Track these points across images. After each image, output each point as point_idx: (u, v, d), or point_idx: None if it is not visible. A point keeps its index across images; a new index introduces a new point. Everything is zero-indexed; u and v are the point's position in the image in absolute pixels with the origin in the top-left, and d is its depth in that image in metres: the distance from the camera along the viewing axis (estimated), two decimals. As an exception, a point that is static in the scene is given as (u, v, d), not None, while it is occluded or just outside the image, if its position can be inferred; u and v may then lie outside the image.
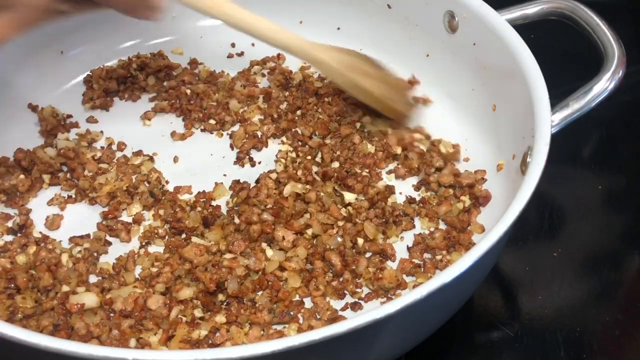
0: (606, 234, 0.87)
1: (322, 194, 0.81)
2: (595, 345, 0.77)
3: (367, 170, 0.84)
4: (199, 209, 0.81)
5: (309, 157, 0.86)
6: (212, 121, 0.91)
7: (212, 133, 0.90)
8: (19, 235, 0.79)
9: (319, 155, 0.86)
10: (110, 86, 0.94)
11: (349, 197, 0.80)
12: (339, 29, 1.00)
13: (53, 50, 0.94)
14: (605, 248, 0.86)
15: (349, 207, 0.80)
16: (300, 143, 0.88)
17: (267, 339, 0.69)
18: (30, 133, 0.89)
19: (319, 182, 0.82)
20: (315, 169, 0.84)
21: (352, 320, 0.56)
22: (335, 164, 0.85)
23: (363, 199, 0.81)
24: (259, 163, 0.87)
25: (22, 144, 0.87)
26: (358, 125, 0.90)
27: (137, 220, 0.81)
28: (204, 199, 0.82)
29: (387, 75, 0.89)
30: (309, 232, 0.78)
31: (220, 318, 0.71)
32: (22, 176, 0.83)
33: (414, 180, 0.85)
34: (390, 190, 0.83)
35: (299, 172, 0.83)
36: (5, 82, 0.90)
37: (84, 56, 0.96)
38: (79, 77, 0.96)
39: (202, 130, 0.91)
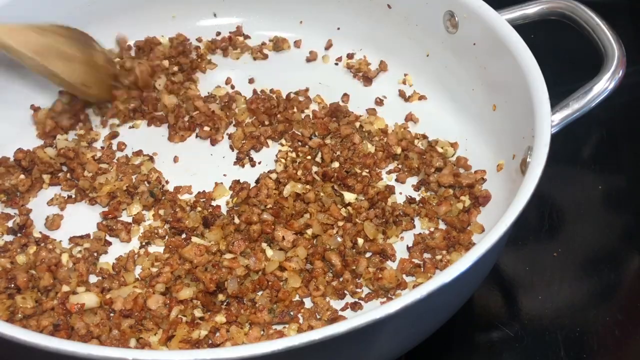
0: (606, 234, 0.87)
1: (322, 194, 0.81)
2: (595, 345, 0.77)
3: (367, 170, 0.84)
4: (199, 209, 0.81)
5: (308, 157, 0.86)
6: (206, 128, 0.90)
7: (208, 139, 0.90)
8: (19, 235, 0.79)
9: (319, 155, 0.86)
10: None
11: (349, 197, 0.80)
12: (339, 29, 1.00)
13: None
14: (605, 248, 0.86)
15: (349, 207, 0.80)
16: (300, 143, 0.88)
17: (267, 339, 0.69)
18: (30, 133, 0.89)
19: (319, 182, 0.82)
20: (315, 169, 0.84)
21: (352, 320, 0.56)
22: (335, 164, 0.84)
23: (363, 199, 0.81)
24: (259, 163, 0.87)
25: (22, 144, 0.87)
26: (358, 125, 0.90)
27: (137, 220, 0.81)
28: (204, 199, 0.82)
29: (90, 55, 0.90)
30: (309, 232, 0.78)
31: (220, 318, 0.71)
32: (22, 176, 0.83)
33: (413, 180, 0.85)
34: (390, 190, 0.83)
35: (299, 172, 0.83)
36: (5, 82, 0.90)
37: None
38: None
39: (196, 137, 0.90)
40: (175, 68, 0.96)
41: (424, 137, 0.89)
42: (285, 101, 0.93)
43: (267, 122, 0.90)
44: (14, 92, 0.90)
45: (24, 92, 0.91)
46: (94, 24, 0.95)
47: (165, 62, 0.96)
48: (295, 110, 0.92)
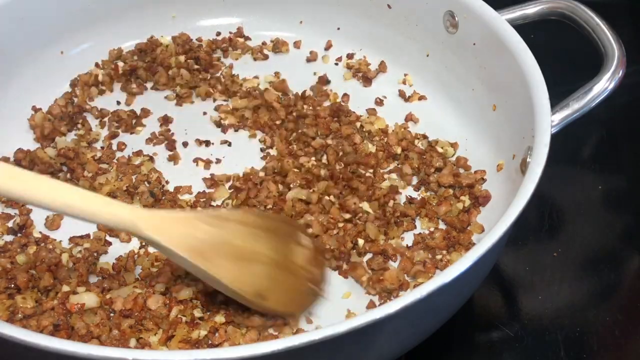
0: (606, 234, 0.87)
1: (325, 197, 0.81)
2: (595, 345, 0.77)
3: (370, 171, 0.84)
4: (199, 209, 0.81)
5: (313, 159, 0.85)
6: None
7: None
8: (19, 235, 0.79)
9: (324, 157, 0.86)
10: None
11: (366, 207, 0.80)
12: (339, 29, 1.00)
13: (53, 50, 0.94)
14: (605, 248, 0.86)
15: (351, 212, 0.80)
16: (303, 144, 0.88)
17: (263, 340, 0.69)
18: (30, 133, 0.89)
19: (322, 184, 0.82)
20: (323, 172, 0.83)
21: (352, 320, 0.56)
22: (340, 165, 0.84)
23: (377, 208, 0.80)
24: (263, 158, 0.87)
25: (22, 144, 0.87)
26: (358, 125, 0.90)
27: (137, 221, 0.81)
28: (204, 199, 0.82)
29: (286, 255, 0.69)
30: (309, 231, 0.78)
31: (220, 318, 0.71)
32: None
33: (413, 180, 0.85)
34: (394, 190, 0.83)
35: (301, 173, 0.83)
36: (5, 82, 0.90)
37: (84, 56, 0.96)
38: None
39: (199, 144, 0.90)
40: (195, 65, 0.96)
41: (424, 137, 0.89)
42: (300, 99, 0.93)
43: (282, 118, 0.90)
44: (14, 91, 0.90)
45: (24, 91, 0.91)
46: (94, 24, 0.95)
47: (181, 57, 0.96)
48: (309, 106, 0.92)
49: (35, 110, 0.91)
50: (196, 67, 0.96)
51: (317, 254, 0.72)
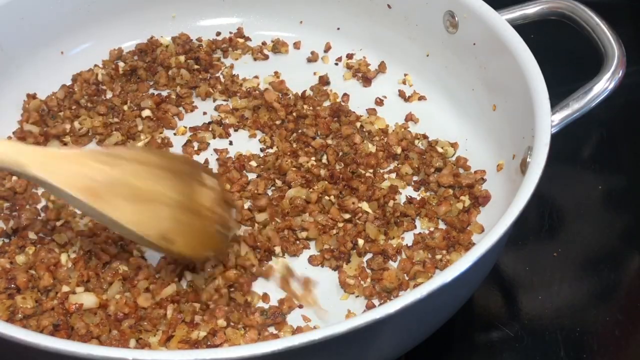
0: (606, 234, 0.87)
1: (325, 197, 0.81)
2: (595, 345, 0.77)
3: (370, 171, 0.84)
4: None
5: (313, 159, 0.85)
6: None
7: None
8: (13, 238, 0.78)
9: (324, 157, 0.85)
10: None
11: (365, 207, 0.80)
12: (338, 29, 1.00)
13: (53, 50, 0.94)
14: (605, 248, 0.86)
15: (351, 212, 0.80)
16: (303, 144, 0.88)
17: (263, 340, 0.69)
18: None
19: (321, 184, 0.82)
20: (322, 172, 0.83)
21: (352, 320, 0.56)
22: (341, 165, 0.84)
23: (377, 208, 0.80)
24: (263, 152, 0.88)
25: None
26: (358, 125, 0.90)
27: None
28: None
29: (190, 194, 0.66)
30: (304, 234, 0.78)
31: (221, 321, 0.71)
32: (14, 177, 0.82)
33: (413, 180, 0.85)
34: (394, 190, 0.83)
35: (301, 172, 0.83)
36: (5, 82, 0.90)
37: (84, 56, 0.96)
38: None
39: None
40: (195, 65, 0.97)
41: (425, 137, 0.89)
42: (300, 99, 0.93)
43: (282, 117, 0.90)
44: (14, 92, 0.90)
45: (24, 91, 0.91)
46: (94, 24, 0.95)
47: (182, 57, 0.96)
48: (309, 106, 0.92)
49: (32, 97, 0.91)
50: (196, 67, 0.96)
51: (223, 194, 0.68)
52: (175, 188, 0.65)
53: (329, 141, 0.87)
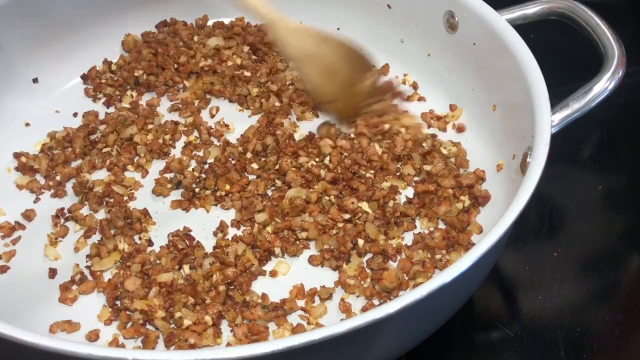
0: (606, 234, 0.87)
1: (325, 197, 0.81)
2: (595, 345, 0.77)
3: (371, 172, 0.84)
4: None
5: (316, 160, 0.85)
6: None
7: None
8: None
9: (327, 159, 0.85)
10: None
11: (365, 207, 0.80)
12: (338, 29, 1.00)
13: (53, 50, 0.94)
14: (605, 248, 0.86)
15: (351, 212, 0.80)
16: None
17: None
18: (28, 134, 0.89)
19: (321, 184, 0.82)
20: (322, 172, 0.83)
21: (352, 320, 0.56)
22: (342, 166, 0.84)
23: (377, 208, 0.80)
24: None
25: (22, 145, 0.88)
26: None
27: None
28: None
29: (356, 82, 0.85)
30: (303, 234, 0.78)
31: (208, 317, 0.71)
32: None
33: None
34: (394, 190, 0.82)
35: (301, 172, 0.83)
36: (5, 82, 0.90)
37: (84, 56, 0.96)
38: (79, 77, 0.96)
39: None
40: (247, 48, 0.98)
41: (433, 136, 0.88)
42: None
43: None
44: (14, 90, 0.91)
45: (25, 91, 0.91)
46: (94, 24, 0.95)
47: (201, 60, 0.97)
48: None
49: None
50: (202, 64, 0.96)
51: (375, 85, 0.87)
52: (353, 76, 0.84)
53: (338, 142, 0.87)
